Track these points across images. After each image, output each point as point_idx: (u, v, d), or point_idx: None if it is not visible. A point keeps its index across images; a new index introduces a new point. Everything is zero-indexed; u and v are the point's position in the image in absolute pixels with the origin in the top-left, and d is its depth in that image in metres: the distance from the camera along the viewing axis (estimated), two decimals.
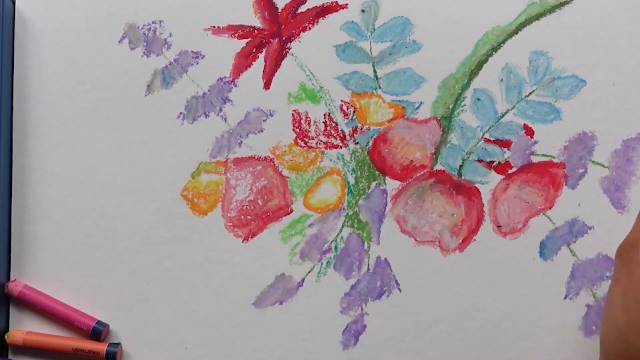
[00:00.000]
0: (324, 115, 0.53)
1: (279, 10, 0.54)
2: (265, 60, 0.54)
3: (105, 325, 0.52)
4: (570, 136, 0.53)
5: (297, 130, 0.53)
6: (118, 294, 0.52)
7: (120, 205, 0.53)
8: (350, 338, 0.52)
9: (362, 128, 0.53)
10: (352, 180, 0.53)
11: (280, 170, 0.53)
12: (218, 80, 0.54)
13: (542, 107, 0.53)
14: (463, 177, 0.53)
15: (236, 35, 0.54)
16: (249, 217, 0.53)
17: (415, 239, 0.52)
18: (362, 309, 0.52)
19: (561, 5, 0.53)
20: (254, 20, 0.54)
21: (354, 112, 0.53)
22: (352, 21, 0.53)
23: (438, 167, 0.53)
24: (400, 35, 0.53)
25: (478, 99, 0.53)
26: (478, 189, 0.53)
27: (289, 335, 0.52)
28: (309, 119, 0.53)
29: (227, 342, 0.52)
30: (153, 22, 0.54)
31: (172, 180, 0.53)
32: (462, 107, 0.53)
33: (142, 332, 0.52)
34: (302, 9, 0.54)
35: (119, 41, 0.54)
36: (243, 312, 0.52)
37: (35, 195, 0.53)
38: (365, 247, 0.53)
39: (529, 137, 0.53)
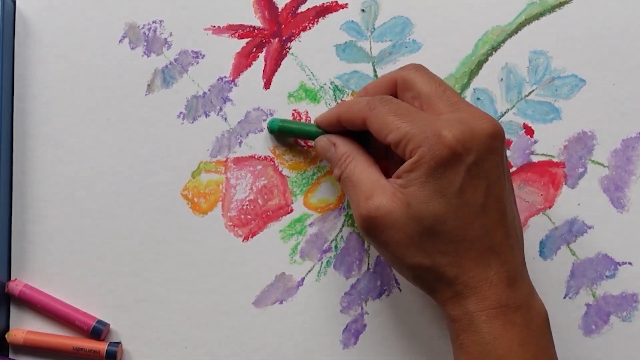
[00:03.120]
0: None
1: (279, 10, 0.54)
2: (265, 60, 0.54)
3: (106, 325, 0.52)
4: (570, 136, 0.53)
5: None
6: (118, 293, 0.53)
7: (120, 205, 0.53)
8: (350, 337, 0.52)
9: None
10: None
11: (280, 169, 0.53)
12: (218, 79, 0.54)
13: (542, 107, 0.53)
14: None
15: (236, 35, 0.54)
16: (249, 216, 0.53)
17: None
18: (362, 308, 0.52)
19: (561, 5, 0.53)
20: (254, 20, 0.54)
21: None
22: (352, 21, 0.54)
23: None
24: (400, 35, 0.53)
25: (478, 99, 0.53)
26: None
27: (289, 334, 0.52)
28: (309, 119, 0.53)
29: (227, 341, 0.52)
30: (153, 22, 0.54)
31: (172, 179, 0.53)
32: None
33: (143, 332, 0.52)
34: (302, 8, 0.54)
35: (119, 41, 0.54)
36: (243, 312, 0.52)
37: (36, 194, 0.53)
38: (366, 246, 0.53)
39: (528, 136, 0.53)
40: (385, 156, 0.49)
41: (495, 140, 0.43)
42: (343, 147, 0.48)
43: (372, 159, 0.47)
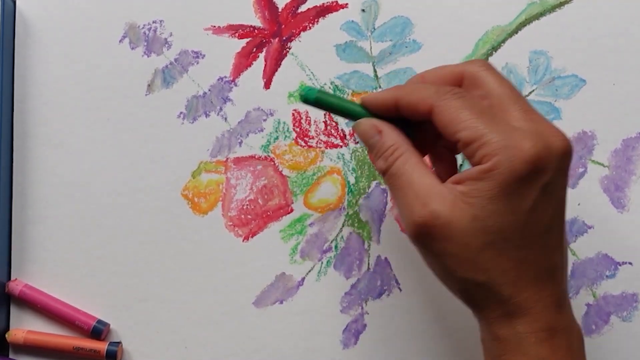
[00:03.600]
0: (324, 114, 0.53)
1: (279, 10, 0.54)
2: (265, 60, 0.54)
3: (106, 325, 0.52)
4: (570, 135, 0.53)
5: (298, 129, 0.53)
6: (118, 293, 0.53)
7: (121, 205, 0.53)
8: (351, 337, 0.52)
9: None
10: (352, 180, 0.53)
11: (280, 169, 0.53)
12: (218, 79, 0.54)
13: (542, 107, 0.53)
14: None
15: (236, 34, 0.54)
16: (249, 216, 0.53)
17: None
18: (362, 308, 0.52)
19: (561, 4, 0.53)
20: (254, 19, 0.54)
21: None
22: (352, 21, 0.54)
23: None
24: (401, 35, 0.53)
25: None
26: None
27: (289, 334, 0.52)
28: (309, 119, 0.53)
29: (227, 341, 0.52)
30: (153, 22, 0.54)
31: (173, 179, 0.53)
32: None
33: (143, 331, 0.52)
34: (302, 8, 0.54)
35: (120, 41, 0.54)
36: (243, 312, 0.52)
37: (36, 195, 0.53)
38: (366, 246, 0.53)
39: None
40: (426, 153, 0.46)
41: (568, 159, 0.40)
42: (391, 137, 0.42)
43: (422, 157, 0.42)
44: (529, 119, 0.40)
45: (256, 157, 0.53)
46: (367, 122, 0.43)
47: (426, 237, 0.40)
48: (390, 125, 0.43)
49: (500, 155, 0.38)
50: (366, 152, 0.53)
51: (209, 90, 0.54)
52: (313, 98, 0.44)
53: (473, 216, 0.38)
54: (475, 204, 0.39)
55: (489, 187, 0.38)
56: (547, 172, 0.39)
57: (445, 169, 0.45)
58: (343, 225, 0.53)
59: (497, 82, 0.41)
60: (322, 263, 0.53)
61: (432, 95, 0.41)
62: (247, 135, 0.53)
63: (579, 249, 0.52)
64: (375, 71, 0.53)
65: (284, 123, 0.53)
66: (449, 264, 0.40)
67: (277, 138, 0.53)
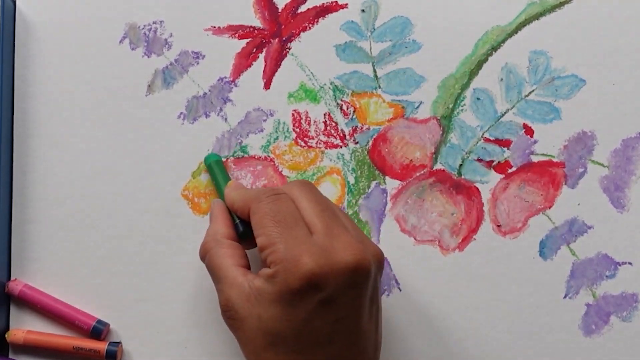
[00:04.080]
0: (324, 114, 0.53)
1: (279, 10, 0.54)
2: (265, 60, 0.54)
3: (106, 325, 0.52)
4: (570, 135, 0.53)
5: (297, 130, 0.53)
6: (118, 293, 0.53)
7: (121, 205, 0.53)
8: None
9: (362, 128, 0.53)
10: (352, 180, 0.53)
11: (280, 169, 0.53)
12: (218, 80, 0.54)
13: (542, 107, 0.53)
14: (463, 177, 0.53)
15: (236, 35, 0.54)
16: None
17: (415, 239, 0.52)
18: None
19: (561, 4, 0.53)
20: (254, 20, 0.54)
21: (354, 111, 0.53)
22: (352, 21, 0.54)
23: (438, 166, 0.53)
24: (400, 35, 0.53)
25: (478, 99, 0.53)
26: (478, 189, 0.53)
27: None
28: (309, 119, 0.53)
29: (227, 341, 0.52)
30: (154, 23, 0.54)
31: (173, 180, 0.53)
32: (462, 106, 0.53)
33: (143, 331, 0.52)
34: (302, 8, 0.54)
35: (120, 41, 0.54)
36: None
37: (36, 194, 0.53)
38: None
39: (528, 136, 0.53)
40: None
41: (357, 274, 0.42)
42: (211, 229, 0.48)
43: (239, 248, 0.46)
44: (329, 234, 0.43)
45: (256, 157, 0.53)
46: (212, 205, 0.50)
47: (229, 323, 0.44)
48: (221, 217, 0.48)
49: (279, 266, 0.41)
50: (366, 152, 0.53)
51: (209, 90, 0.54)
52: (207, 164, 0.52)
53: (258, 316, 0.42)
54: (262, 305, 0.42)
55: (270, 291, 0.42)
56: (326, 288, 0.41)
57: None
58: None
59: (306, 199, 0.45)
60: None
61: (252, 198, 0.46)
62: (247, 135, 0.53)
63: (579, 249, 0.52)
64: (375, 71, 0.53)
65: (284, 123, 0.53)
66: (244, 352, 0.44)
67: (277, 138, 0.53)
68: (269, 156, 0.53)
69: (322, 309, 0.41)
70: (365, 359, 0.44)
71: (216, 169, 0.52)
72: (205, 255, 0.47)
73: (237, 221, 0.48)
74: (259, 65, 0.54)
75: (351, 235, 0.43)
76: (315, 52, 0.54)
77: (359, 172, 0.53)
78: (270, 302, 0.42)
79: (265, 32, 0.54)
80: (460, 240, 0.52)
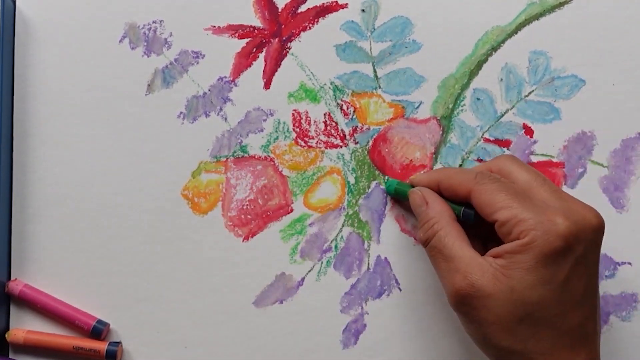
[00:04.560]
0: (324, 114, 0.53)
1: (279, 10, 0.54)
2: (265, 60, 0.54)
3: (106, 324, 0.52)
4: (570, 136, 0.53)
5: (297, 129, 0.53)
6: (118, 293, 0.53)
7: (120, 205, 0.53)
8: (351, 337, 0.52)
9: (362, 128, 0.53)
10: (352, 180, 0.53)
11: (280, 169, 0.53)
12: (218, 79, 0.54)
13: (542, 107, 0.53)
14: None
15: (236, 35, 0.54)
16: (249, 216, 0.53)
17: (415, 238, 0.52)
18: (362, 308, 0.52)
19: (561, 5, 0.53)
20: (254, 20, 0.54)
21: (354, 111, 0.53)
22: (352, 21, 0.54)
23: (438, 166, 0.53)
24: (400, 35, 0.53)
25: (478, 99, 0.53)
26: None
27: (289, 334, 0.52)
28: (309, 119, 0.53)
29: (227, 341, 0.52)
30: (153, 22, 0.54)
31: (173, 179, 0.53)
32: (462, 106, 0.53)
33: (143, 331, 0.52)
34: (302, 8, 0.54)
35: (120, 41, 0.54)
36: (243, 312, 0.52)
37: (36, 194, 0.53)
38: (366, 246, 0.53)
39: (528, 136, 0.53)
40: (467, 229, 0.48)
41: (600, 233, 0.43)
42: (434, 210, 0.46)
43: (462, 230, 0.46)
44: (559, 197, 0.44)
45: (256, 157, 0.53)
46: (417, 193, 0.48)
47: (466, 306, 0.43)
48: (439, 199, 0.47)
49: (537, 230, 0.41)
50: (366, 152, 0.53)
51: (209, 90, 0.54)
52: (393, 190, 0.51)
53: (511, 288, 0.41)
54: (513, 276, 0.42)
55: (527, 259, 0.41)
56: (580, 245, 0.42)
57: (484, 244, 0.48)
58: (343, 225, 0.53)
59: (522, 170, 0.46)
60: (322, 263, 0.53)
61: (470, 180, 0.45)
62: (247, 135, 0.53)
63: None
64: (375, 71, 0.53)
65: (284, 123, 0.53)
66: (488, 332, 0.42)
67: (277, 138, 0.53)
68: (269, 156, 0.53)
69: (578, 267, 0.42)
70: (599, 322, 0.44)
71: (399, 189, 0.51)
72: (432, 235, 0.45)
73: (462, 208, 0.47)
74: (259, 65, 0.54)
75: (580, 201, 0.44)
76: (315, 52, 0.54)
77: (359, 171, 0.53)
78: (527, 271, 0.41)
79: (265, 32, 0.54)
80: None
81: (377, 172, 0.53)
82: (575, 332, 0.42)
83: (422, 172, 0.51)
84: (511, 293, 0.41)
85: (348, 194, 0.53)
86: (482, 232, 0.47)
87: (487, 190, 0.44)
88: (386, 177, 0.52)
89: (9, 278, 0.53)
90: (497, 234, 0.44)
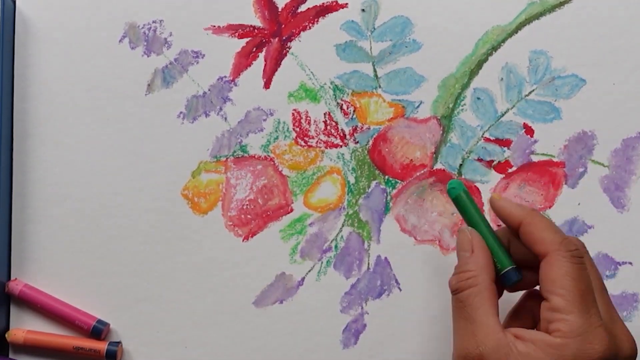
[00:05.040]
0: (324, 114, 0.53)
1: (279, 10, 0.54)
2: (265, 60, 0.54)
3: (106, 324, 0.52)
4: (570, 135, 0.53)
5: (297, 129, 0.53)
6: (118, 293, 0.53)
7: (120, 204, 0.53)
8: (351, 337, 0.52)
9: (362, 127, 0.53)
10: (352, 180, 0.53)
11: (280, 169, 0.53)
12: (218, 79, 0.54)
13: (542, 107, 0.53)
14: (463, 176, 0.53)
15: (236, 34, 0.54)
16: (249, 216, 0.53)
17: (416, 238, 0.52)
18: (362, 308, 0.52)
19: (561, 4, 0.53)
20: (254, 19, 0.54)
21: (354, 111, 0.53)
22: (352, 20, 0.54)
23: (438, 166, 0.53)
24: (401, 35, 0.53)
25: (478, 98, 0.53)
26: (478, 188, 0.53)
27: (289, 334, 0.52)
28: (309, 118, 0.53)
29: (227, 341, 0.52)
30: (153, 22, 0.54)
31: (173, 179, 0.53)
32: (462, 106, 0.53)
33: (143, 331, 0.52)
34: (302, 8, 0.54)
35: (120, 41, 0.54)
36: (243, 312, 0.52)
37: (36, 194, 0.53)
38: (366, 246, 0.53)
39: (528, 136, 0.53)
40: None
41: None
42: (477, 263, 0.43)
43: (496, 294, 0.42)
44: (611, 318, 0.41)
45: (256, 156, 0.53)
46: (467, 235, 0.44)
47: None
48: (486, 252, 0.43)
49: (570, 341, 0.39)
50: (366, 151, 0.53)
51: (209, 90, 0.54)
52: (454, 196, 0.46)
53: None
54: None
55: (541, 358, 0.39)
56: None
57: (522, 318, 0.46)
58: (343, 225, 0.53)
59: (592, 269, 0.42)
60: (322, 263, 0.53)
61: (555, 243, 0.41)
62: (247, 135, 0.53)
63: None
64: (375, 71, 0.53)
65: (284, 123, 0.53)
66: None
67: (277, 138, 0.53)
68: (269, 156, 0.53)
69: None
70: None
71: (466, 198, 0.45)
72: (464, 289, 0.42)
73: (510, 267, 0.43)
74: (259, 64, 0.54)
75: (624, 324, 0.42)
76: (315, 52, 0.54)
77: (359, 171, 0.53)
78: None
79: (265, 32, 0.54)
80: None
81: (377, 172, 0.53)
82: None
83: (509, 199, 0.46)
84: None
85: (348, 194, 0.53)
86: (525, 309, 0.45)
87: (562, 267, 0.41)
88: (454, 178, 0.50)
89: (9, 278, 0.53)
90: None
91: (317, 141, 0.53)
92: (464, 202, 0.45)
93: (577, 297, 0.40)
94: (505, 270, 0.43)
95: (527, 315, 0.45)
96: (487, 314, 0.41)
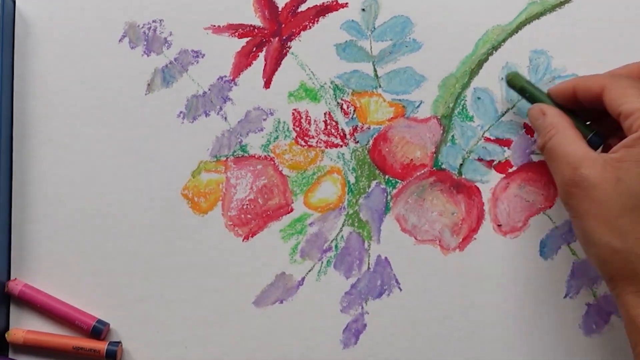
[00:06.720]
0: (324, 114, 0.53)
1: (279, 9, 0.54)
2: (265, 59, 0.54)
3: (106, 324, 0.52)
4: None
5: (298, 129, 0.53)
6: (118, 292, 0.52)
7: (120, 204, 0.53)
8: (351, 337, 0.52)
9: (362, 127, 0.53)
10: (352, 179, 0.53)
11: (280, 169, 0.53)
12: (218, 79, 0.54)
13: None
14: (463, 176, 0.53)
15: (236, 34, 0.54)
16: (249, 216, 0.53)
17: (416, 238, 0.52)
18: (362, 307, 0.52)
19: (561, 4, 0.53)
20: (254, 19, 0.54)
21: (354, 111, 0.53)
22: (353, 20, 0.54)
23: (438, 166, 0.53)
24: (401, 34, 0.53)
25: (478, 98, 0.53)
26: (478, 188, 0.53)
27: (289, 334, 0.52)
28: (309, 118, 0.53)
29: (227, 341, 0.52)
30: (153, 21, 0.54)
31: (173, 179, 0.53)
32: (463, 106, 0.53)
33: (143, 331, 0.52)
34: (303, 7, 0.54)
35: (119, 40, 0.54)
36: (243, 311, 0.52)
37: (35, 194, 0.53)
38: (366, 246, 0.53)
39: (529, 136, 0.53)
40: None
41: None
42: (551, 118, 0.47)
43: (579, 134, 0.46)
44: None
45: (256, 156, 0.53)
46: (536, 107, 0.49)
47: (573, 198, 0.43)
48: (555, 109, 0.48)
49: None
50: (366, 151, 0.53)
51: (209, 89, 0.54)
52: (519, 86, 0.50)
53: (617, 178, 0.41)
54: (622, 167, 0.42)
55: (637, 152, 0.42)
56: None
57: None
58: (343, 225, 0.53)
59: None
60: (322, 263, 0.53)
61: (605, 77, 0.46)
62: (247, 134, 0.53)
63: (580, 249, 0.52)
64: (375, 70, 0.53)
65: (284, 122, 0.53)
66: (589, 225, 0.42)
67: (277, 137, 0.53)
68: (269, 155, 0.53)
69: None
70: None
71: (530, 86, 0.50)
72: (549, 139, 0.46)
73: (592, 133, 0.47)
74: (259, 64, 0.54)
75: None
76: (315, 51, 0.54)
77: (359, 171, 0.53)
78: (636, 163, 0.42)
79: (265, 31, 0.54)
80: (460, 240, 0.52)
81: (377, 172, 0.53)
82: None
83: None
84: (617, 184, 0.41)
85: (348, 194, 0.53)
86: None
87: (619, 86, 0.44)
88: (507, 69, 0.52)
89: (8, 278, 0.53)
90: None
91: (317, 141, 0.53)
92: (530, 89, 0.50)
93: (637, 97, 0.43)
94: (590, 136, 0.47)
95: None
96: (576, 144, 0.44)
